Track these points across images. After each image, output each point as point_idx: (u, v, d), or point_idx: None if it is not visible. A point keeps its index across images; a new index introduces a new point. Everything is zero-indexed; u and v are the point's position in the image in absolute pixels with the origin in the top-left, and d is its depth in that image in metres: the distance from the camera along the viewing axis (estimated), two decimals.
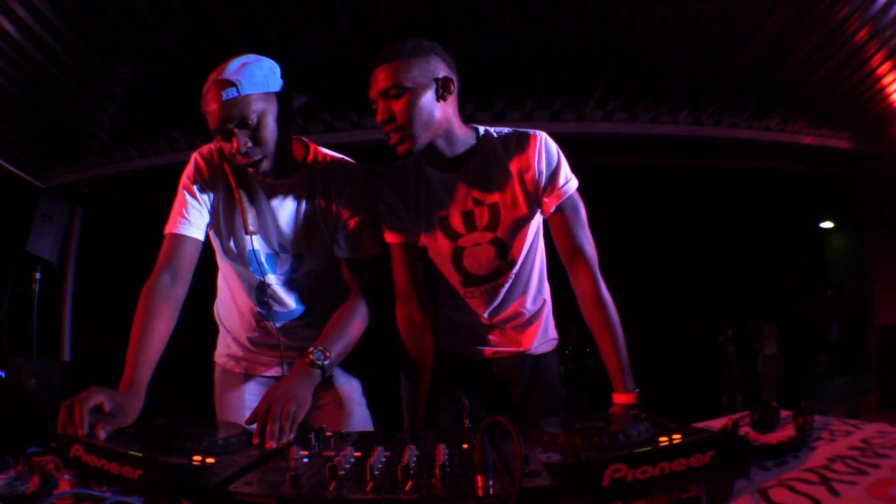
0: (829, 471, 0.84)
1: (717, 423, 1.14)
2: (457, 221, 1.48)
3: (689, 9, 3.15)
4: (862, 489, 0.76)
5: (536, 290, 1.60)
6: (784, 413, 1.18)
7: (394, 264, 1.52)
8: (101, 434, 0.99)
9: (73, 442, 0.86)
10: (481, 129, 1.49)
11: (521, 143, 1.45)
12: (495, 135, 1.48)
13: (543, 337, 1.64)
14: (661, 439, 0.84)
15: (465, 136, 1.45)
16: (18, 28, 2.90)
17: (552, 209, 1.44)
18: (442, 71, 1.37)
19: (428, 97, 1.34)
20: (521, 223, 1.49)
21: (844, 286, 6.28)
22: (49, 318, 4.76)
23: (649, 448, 0.71)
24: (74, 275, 4.94)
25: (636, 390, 1.32)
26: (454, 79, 1.40)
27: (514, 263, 1.52)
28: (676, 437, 0.83)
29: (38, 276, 4.52)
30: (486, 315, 1.58)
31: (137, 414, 1.14)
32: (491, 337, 1.61)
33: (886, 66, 3.80)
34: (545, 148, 1.45)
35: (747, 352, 6.20)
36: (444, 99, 1.37)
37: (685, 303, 5.90)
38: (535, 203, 1.47)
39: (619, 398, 1.31)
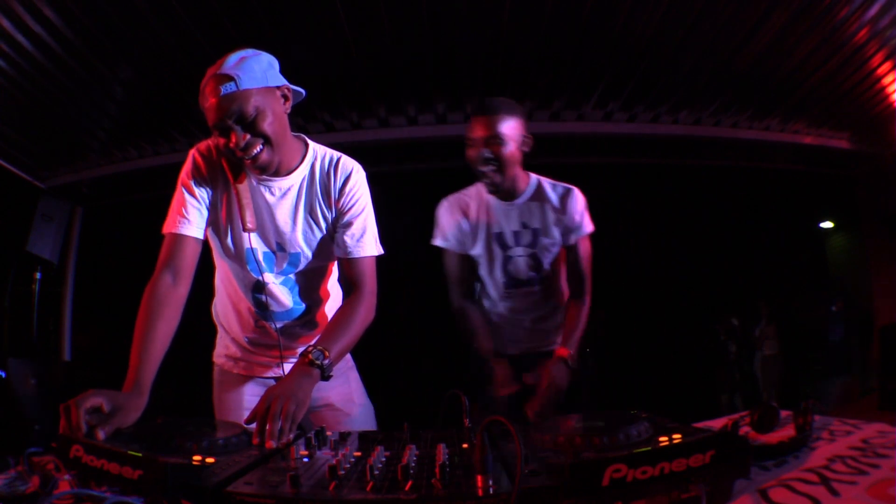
0: (829, 471, 0.84)
1: (717, 423, 1.14)
2: None
3: (689, 9, 3.15)
4: (862, 489, 0.76)
5: None
6: (784, 413, 1.18)
7: None
8: (100, 435, 0.99)
9: (73, 442, 0.86)
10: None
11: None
12: None
13: None
14: (661, 439, 0.84)
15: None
16: (18, 28, 2.90)
17: None
18: None
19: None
20: None
21: (846, 288, 6.26)
22: (49, 318, 4.76)
23: (649, 448, 0.71)
24: (74, 275, 4.94)
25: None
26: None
27: None
28: (676, 437, 0.83)
29: (38, 276, 4.53)
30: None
31: (139, 413, 1.13)
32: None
33: (886, 66, 3.80)
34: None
35: (747, 352, 6.20)
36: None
37: (685, 303, 5.89)
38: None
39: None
